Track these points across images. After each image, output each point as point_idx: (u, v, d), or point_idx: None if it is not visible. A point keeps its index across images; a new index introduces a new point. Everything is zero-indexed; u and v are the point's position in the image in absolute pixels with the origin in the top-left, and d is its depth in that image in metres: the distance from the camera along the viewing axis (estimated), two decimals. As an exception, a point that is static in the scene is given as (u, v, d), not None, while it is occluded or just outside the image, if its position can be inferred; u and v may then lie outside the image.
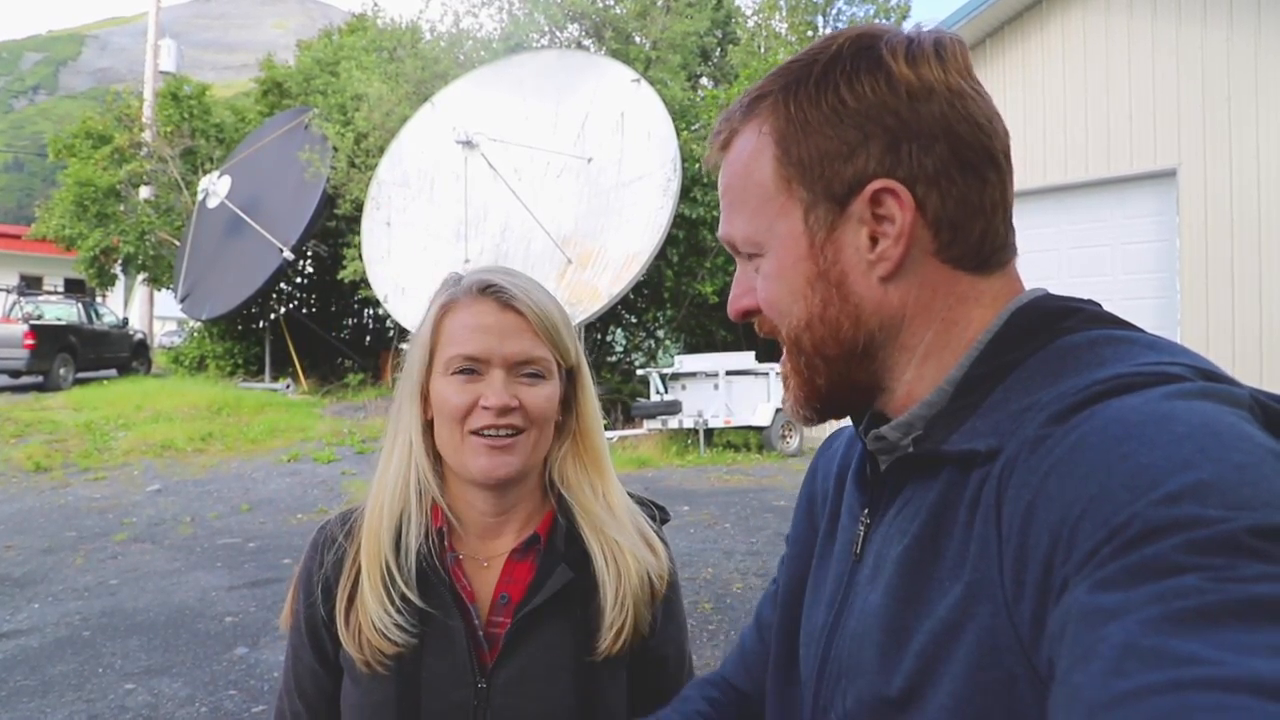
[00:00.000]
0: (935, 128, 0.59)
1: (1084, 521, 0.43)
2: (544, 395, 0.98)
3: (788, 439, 10.23)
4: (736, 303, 0.69)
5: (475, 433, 0.95)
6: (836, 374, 0.65)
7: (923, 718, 0.53)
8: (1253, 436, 0.43)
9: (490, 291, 0.98)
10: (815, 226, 0.62)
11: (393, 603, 0.95)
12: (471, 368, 0.96)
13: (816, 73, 0.62)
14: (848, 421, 0.75)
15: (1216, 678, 0.33)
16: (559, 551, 1.00)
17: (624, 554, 1.01)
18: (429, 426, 1.00)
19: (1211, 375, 0.50)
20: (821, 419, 0.69)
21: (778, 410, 10.05)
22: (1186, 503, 0.40)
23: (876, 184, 0.60)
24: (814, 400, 0.67)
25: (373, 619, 0.94)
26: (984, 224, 0.61)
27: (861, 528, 0.67)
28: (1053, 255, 8.64)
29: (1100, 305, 0.61)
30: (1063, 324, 0.58)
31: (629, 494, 1.09)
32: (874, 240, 0.61)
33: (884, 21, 14.64)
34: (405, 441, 1.00)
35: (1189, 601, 0.36)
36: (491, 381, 0.96)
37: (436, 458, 1.01)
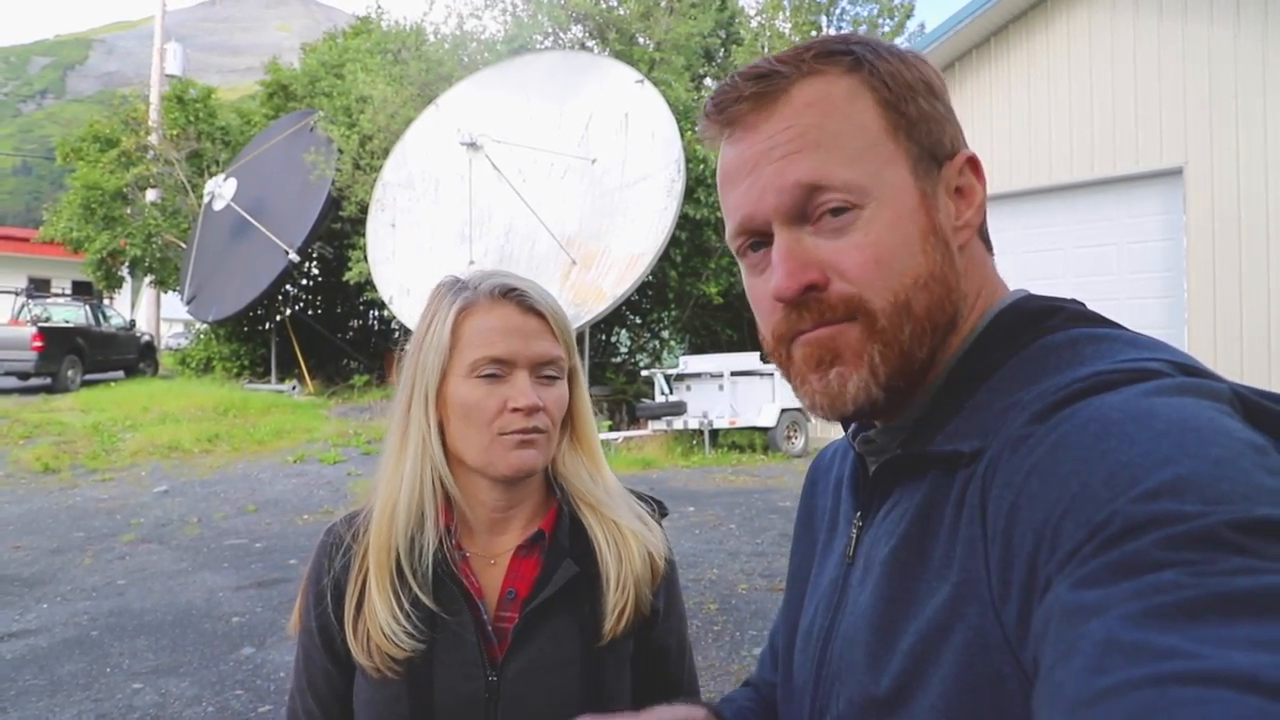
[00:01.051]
0: (960, 128, 0.66)
1: (1066, 520, 0.43)
2: (560, 395, 1.02)
3: (793, 440, 10.22)
4: (799, 275, 0.58)
5: (503, 433, 0.98)
6: (934, 346, 0.60)
7: (911, 718, 0.53)
8: (1231, 431, 0.43)
9: (513, 295, 1.01)
10: (923, 179, 0.61)
11: (401, 608, 0.96)
12: (497, 371, 0.98)
13: (885, 48, 0.64)
14: (839, 433, 0.75)
15: (1196, 671, 0.34)
16: (563, 546, 1.02)
17: (624, 535, 1.04)
18: (439, 427, 1.02)
19: (1192, 370, 0.50)
20: (887, 408, 0.61)
21: (783, 411, 10.04)
22: (1164, 499, 0.40)
23: (968, 152, 0.64)
24: (899, 378, 0.59)
25: (382, 627, 0.96)
26: (984, 215, 0.66)
27: (854, 530, 0.67)
28: (1058, 254, 8.61)
29: (1083, 304, 0.62)
30: (1044, 324, 0.59)
31: (628, 490, 1.12)
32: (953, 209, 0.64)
33: (887, 22, 14.67)
34: (418, 442, 1.01)
35: (1168, 596, 0.37)
36: (517, 383, 0.98)
37: (445, 457, 1.04)
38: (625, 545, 1.03)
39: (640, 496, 1.12)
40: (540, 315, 1.00)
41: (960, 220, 0.62)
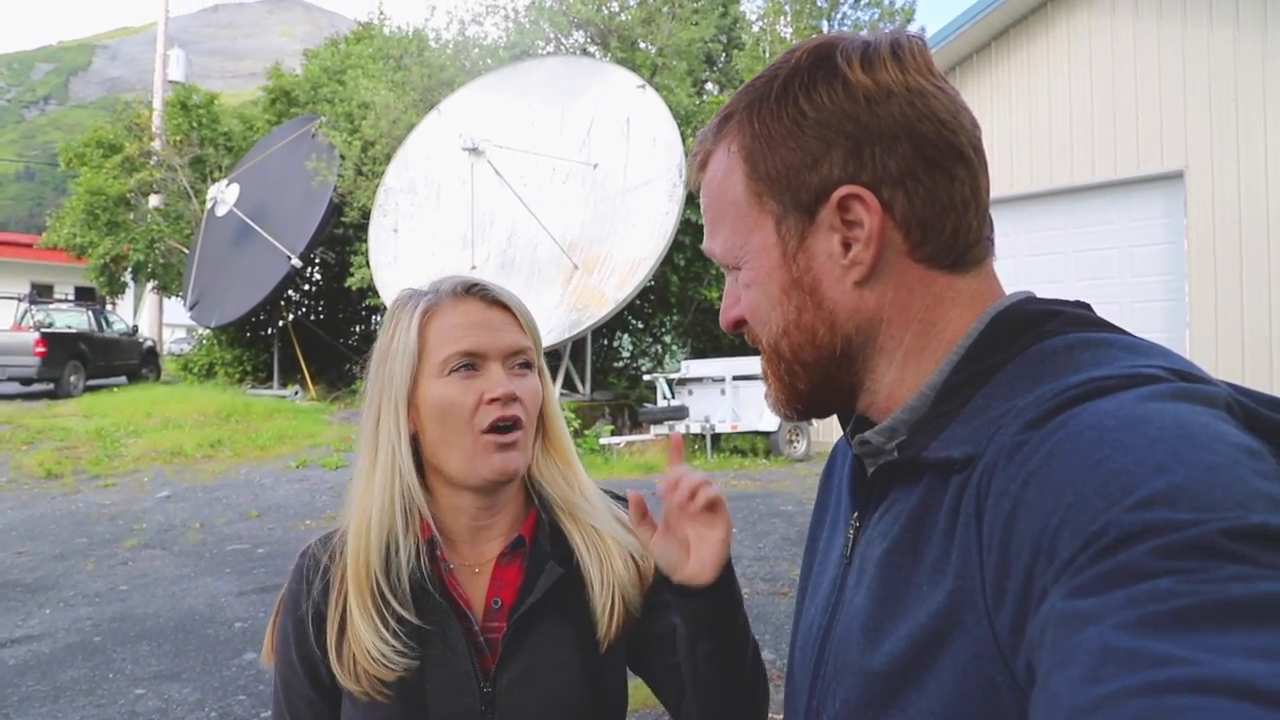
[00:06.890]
0: (896, 129, 0.60)
1: (1062, 530, 0.43)
2: (535, 387, 1.01)
3: (794, 444, 10.20)
4: (727, 314, 0.71)
5: (484, 431, 0.96)
6: (816, 378, 0.66)
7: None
8: (1226, 436, 0.43)
9: (475, 291, 1.01)
10: (787, 236, 0.64)
11: (387, 627, 0.93)
12: (470, 364, 0.97)
13: (776, 88, 0.63)
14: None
15: (1192, 679, 0.34)
16: (545, 551, 1.01)
17: (604, 540, 1.03)
18: (413, 439, 0.99)
19: (1188, 376, 0.50)
20: (804, 418, 0.71)
21: (785, 415, 10.03)
22: (1158, 507, 0.40)
23: (842, 190, 0.61)
24: (795, 402, 0.69)
25: (368, 649, 0.92)
26: (955, 220, 0.61)
27: (851, 531, 0.68)
28: (1059, 258, 8.61)
29: (1088, 307, 0.61)
30: (1042, 328, 0.58)
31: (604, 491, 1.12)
32: (846, 246, 0.62)
33: (887, 26, 14.70)
34: (388, 455, 0.98)
35: (1164, 605, 0.37)
36: (491, 374, 0.97)
37: (418, 470, 1.00)
38: (605, 550, 1.02)
39: (615, 496, 1.12)
40: (505, 307, 1.01)
41: (847, 259, 0.62)
